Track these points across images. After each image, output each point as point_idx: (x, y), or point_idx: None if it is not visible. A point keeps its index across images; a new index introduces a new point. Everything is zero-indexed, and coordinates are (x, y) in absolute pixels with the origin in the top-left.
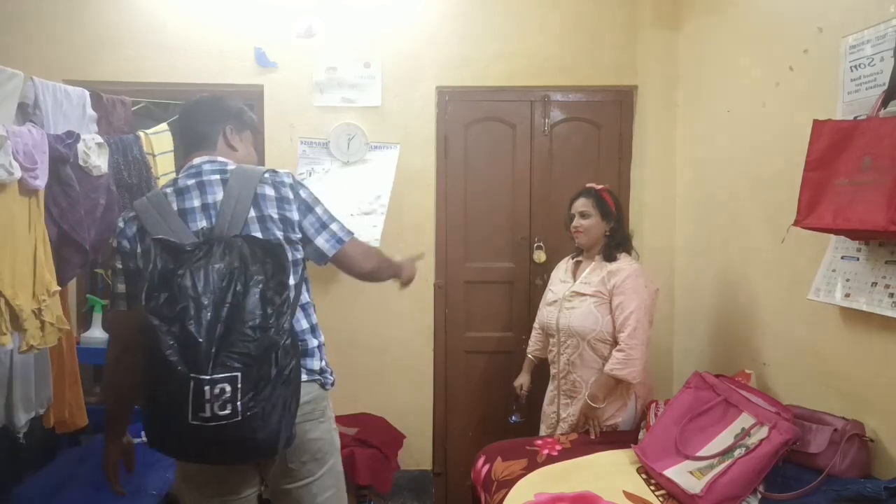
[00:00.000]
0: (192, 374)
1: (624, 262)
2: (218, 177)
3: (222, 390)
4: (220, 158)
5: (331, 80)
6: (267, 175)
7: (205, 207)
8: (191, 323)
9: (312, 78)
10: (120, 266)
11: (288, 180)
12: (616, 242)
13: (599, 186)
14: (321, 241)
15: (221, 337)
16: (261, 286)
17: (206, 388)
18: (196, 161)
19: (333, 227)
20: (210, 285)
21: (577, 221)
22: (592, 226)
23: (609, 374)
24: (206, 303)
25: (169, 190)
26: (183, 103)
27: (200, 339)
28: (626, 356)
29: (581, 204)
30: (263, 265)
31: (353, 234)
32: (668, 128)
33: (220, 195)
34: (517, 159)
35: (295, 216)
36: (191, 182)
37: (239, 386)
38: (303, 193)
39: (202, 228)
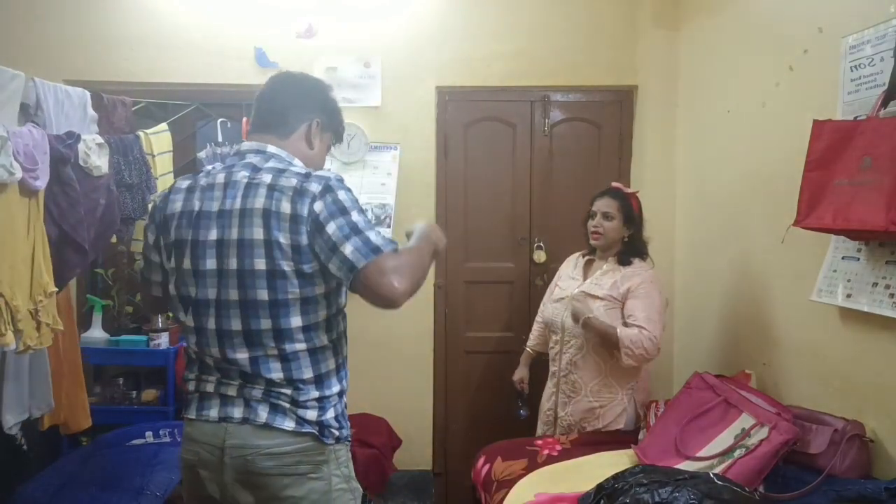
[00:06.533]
0: None
1: (638, 268)
2: (245, 176)
3: None
4: (270, 149)
5: (331, 80)
6: (295, 182)
7: (220, 214)
8: None
9: None
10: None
11: (315, 188)
12: (633, 248)
13: (629, 190)
14: (334, 269)
15: None
16: None
17: None
18: (245, 146)
19: (344, 249)
20: None
21: (597, 221)
22: (613, 229)
23: (616, 334)
24: None
25: (203, 180)
26: (277, 73)
27: None
28: (640, 339)
29: (605, 204)
30: None
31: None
32: (668, 128)
33: (238, 203)
34: (517, 159)
35: (303, 240)
36: (220, 177)
37: None
38: (319, 206)
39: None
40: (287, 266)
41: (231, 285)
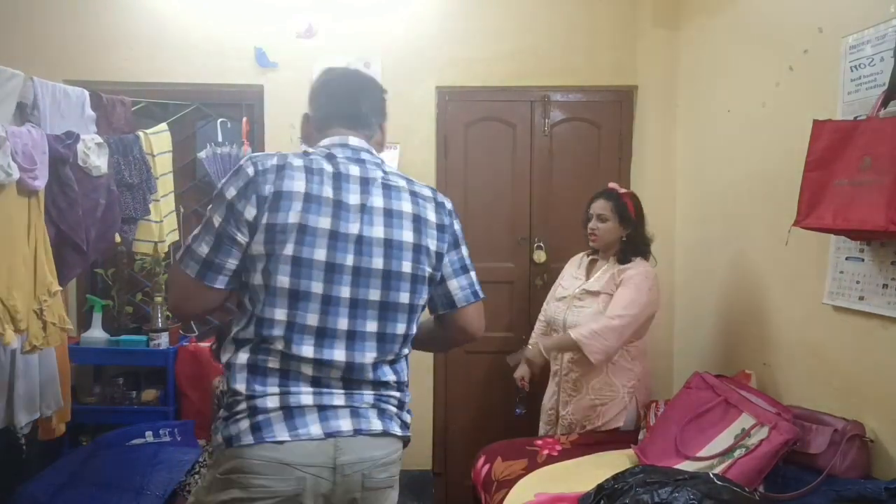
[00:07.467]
0: None
1: (637, 266)
2: (380, 176)
3: None
4: (374, 152)
5: None
6: (428, 192)
7: (363, 209)
8: None
9: (312, 78)
10: None
11: (448, 204)
12: (633, 247)
13: (623, 190)
14: (455, 286)
15: None
16: None
17: None
18: (353, 142)
19: (472, 275)
20: None
21: (593, 223)
22: (608, 230)
23: (573, 339)
24: None
25: (326, 166)
26: (343, 69)
27: None
28: (601, 329)
29: (599, 206)
30: None
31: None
32: (668, 128)
33: (379, 201)
34: (517, 159)
35: (444, 249)
36: (354, 169)
37: None
38: (457, 226)
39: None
40: (428, 272)
41: (373, 285)
